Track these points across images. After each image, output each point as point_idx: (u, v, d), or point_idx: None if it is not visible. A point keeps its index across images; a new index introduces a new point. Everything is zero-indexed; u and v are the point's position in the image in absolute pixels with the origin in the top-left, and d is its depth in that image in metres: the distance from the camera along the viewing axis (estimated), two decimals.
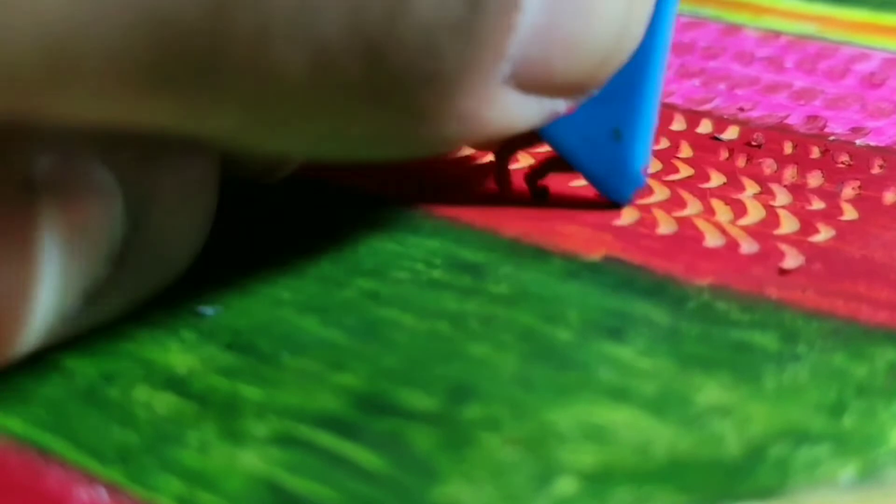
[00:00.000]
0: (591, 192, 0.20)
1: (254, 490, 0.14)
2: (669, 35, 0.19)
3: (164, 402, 0.16)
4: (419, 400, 0.15)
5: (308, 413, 0.15)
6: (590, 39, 0.16)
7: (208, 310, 0.17)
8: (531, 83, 0.16)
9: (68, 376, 0.16)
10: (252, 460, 0.14)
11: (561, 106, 0.17)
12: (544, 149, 0.20)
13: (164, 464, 0.14)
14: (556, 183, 0.21)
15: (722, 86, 0.26)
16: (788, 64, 0.27)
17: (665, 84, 0.26)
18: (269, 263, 0.19)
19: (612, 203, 0.20)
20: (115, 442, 0.15)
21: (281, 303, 0.18)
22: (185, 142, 0.16)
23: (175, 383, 0.16)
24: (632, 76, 0.19)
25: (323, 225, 0.20)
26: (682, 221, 0.20)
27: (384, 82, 0.15)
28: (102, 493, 0.14)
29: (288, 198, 0.21)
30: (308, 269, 0.19)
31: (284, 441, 0.15)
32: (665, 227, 0.20)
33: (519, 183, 0.21)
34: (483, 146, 0.21)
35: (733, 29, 0.29)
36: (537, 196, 0.21)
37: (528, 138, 0.20)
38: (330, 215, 0.20)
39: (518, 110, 0.16)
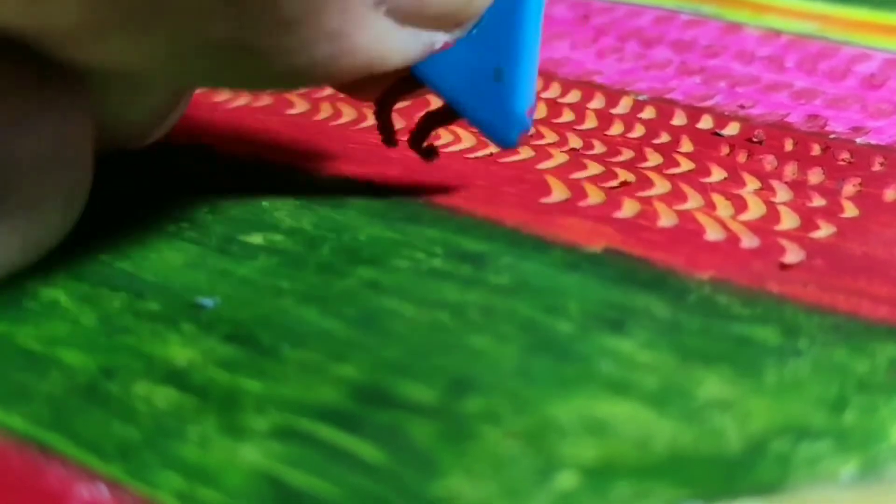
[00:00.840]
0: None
1: (254, 485, 0.14)
2: None
3: (164, 397, 0.16)
4: (419, 392, 0.15)
5: (308, 406, 0.15)
6: None
7: (207, 301, 0.17)
8: (404, 12, 0.16)
9: (68, 372, 0.16)
10: (252, 454, 0.14)
11: (438, 40, 0.17)
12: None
13: (165, 459, 0.14)
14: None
15: (722, 84, 0.26)
16: (789, 63, 0.27)
17: (666, 80, 0.26)
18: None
19: (499, 145, 0.20)
20: (115, 438, 0.15)
21: (281, 293, 0.18)
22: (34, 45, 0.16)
23: (175, 377, 0.16)
24: (510, 15, 0.19)
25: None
26: (682, 215, 0.20)
27: None
28: (103, 490, 0.14)
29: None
30: (307, 258, 0.19)
31: (285, 435, 0.15)
32: (666, 219, 0.20)
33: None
34: (364, 92, 0.21)
35: (734, 27, 0.29)
36: (425, 155, 0.20)
37: (409, 84, 0.19)
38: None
39: (392, 41, 0.16)
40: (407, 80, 0.19)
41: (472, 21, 0.17)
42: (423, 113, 0.21)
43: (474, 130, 0.23)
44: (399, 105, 0.21)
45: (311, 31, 0.16)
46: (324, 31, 0.16)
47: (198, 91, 0.22)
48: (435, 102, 0.20)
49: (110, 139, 0.19)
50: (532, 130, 0.20)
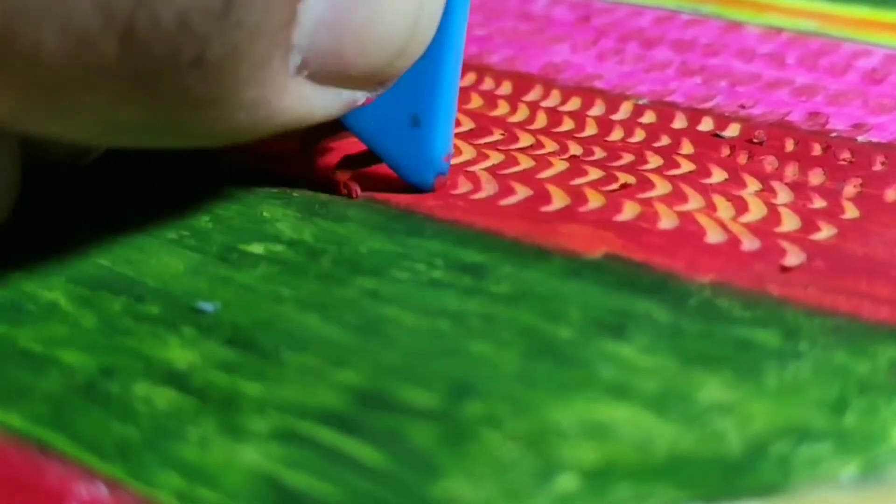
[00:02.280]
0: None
1: (254, 486, 0.14)
2: (464, 23, 0.20)
3: (163, 398, 0.16)
4: (420, 397, 0.15)
5: (308, 409, 0.15)
6: (382, 32, 0.17)
7: (208, 306, 0.17)
8: (325, 75, 0.16)
9: (68, 372, 0.16)
10: (252, 456, 0.14)
11: (360, 97, 0.17)
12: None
13: (164, 459, 0.14)
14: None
15: (723, 83, 0.26)
16: (790, 60, 0.27)
17: (666, 82, 0.26)
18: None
19: (416, 189, 0.20)
20: (114, 437, 0.15)
21: (281, 299, 0.18)
22: None
23: (175, 379, 0.16)
24: (429, 63, 0.19)
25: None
26: (683, 216, 0.20)
27: (144, 65, 0.15)
28: (102, 489, 0.14)
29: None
30: (308, 268, 0.19)
31: (285, 437, 0.15)
32: (666, 221, 0.20)
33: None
34: (287, 135, 0.21)
35: (734, 26, 0.29)
36: (343, 189, 0.21)
37: (330, 127, 0.20)
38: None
39: (314, 101, 0.17)
40: (329, 124, 0.19)
41: (393, 80, 0.18)
42: (342, 157, 0.21)
43: (476, 143, 0.23)
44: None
45: (228, 106, 0.16)
46: (242, 104, 0.16)
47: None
48: (355, 145, 0.21)
49: (42, 155, 0.19)
50: (448, 174, 0.21)
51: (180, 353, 0.16)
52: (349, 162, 0.21)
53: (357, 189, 0.21)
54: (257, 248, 0.19)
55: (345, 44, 0.16)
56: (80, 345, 0.17)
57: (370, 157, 0.21)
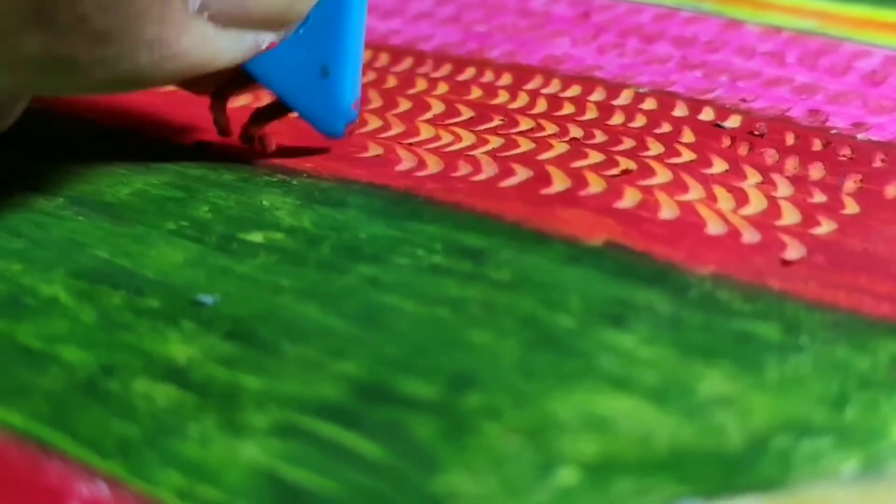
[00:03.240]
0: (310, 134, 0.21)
1: (254, 482, 0.14)
2: None
3: (164, 394, 0.15)
4: (420, 388, 0.15)
5: (308, 402, 0.15)
6: None
7: (207, 298, 0.17)
8: (226, 17, 0.17)
9: (67, 369, 0.16)
10: (252, 452, 0.14)
11: (264, 40, 0.18)
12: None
13: (165, 457, 0.14)
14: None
15: (723, 78, 0.26)
16: (790, 59, 0.27)
17: (667, 74, 0.26)
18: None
19: (327, 136, 0.21)
20: (115, 435, 0.15)
21: (281, 290, 0.18)
22: None
23: (175, 374, 0.16)
24: (335, 14, 0.20)
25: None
26: (684, 206, 0.20)
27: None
28: (103, 487, 0.14)
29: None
30: (308, 256, 0.18)
31: (285, 431, 0.15)
32: (667, 211, 0.20)
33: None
34: (200, 88, 0.21)
35: (734, 24, 0.29)
36: (257, 142, 0.21)
37: (241, 80, 0.21)
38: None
39: (217, 44, 0.17)
40: (239, 77, 0.20)
41: (296, 21, 0.18)
42: (263, 104, 0.22)
43: (476, 130, 0.23)
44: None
45: (128, 42, 0.16)
46: (143, 41, 0.16)
47: (193, 89, 0.22)
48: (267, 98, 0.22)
49: None
50: (358, 121, 0.22)
51: (180, 348, 0.16)
52: (261, 114, 0.22)
53: (271, 143, 0.22)
54: (257, 237, 0.19)
55: None
56: (79, 341, 0.17)
57: (281, 107, 0.21)
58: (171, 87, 0.24)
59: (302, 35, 0.19)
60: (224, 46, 0.17)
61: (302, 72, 0.21)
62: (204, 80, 0.19)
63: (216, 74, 0.19)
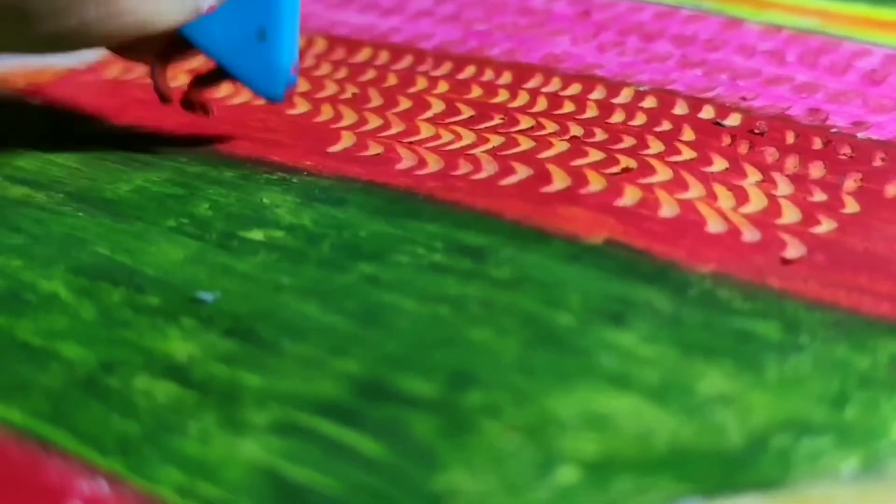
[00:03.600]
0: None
1: (254, 480, 0.14)
2: None
3: (164, 391, 0.15)
4: (420, 386, 0.15)
5: (308, 400, 0.15)
6: None
7: (207, 296, 0.17)
8: None
9: (68, 366, 0.16)
10: (252, 449, 0.14)
11: (205, 3, 0.19)
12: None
13: (165, 454, 0.14)
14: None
15: (724, 76, 0.26)
16: (790, 58, 0.27)
17: (667, 72, 0.26)
18: None
19: (268, 100, 0.22)
20: (115, 432, 0.15)
21: (281, 288, 0.18)
22: None
23: (175, 371, 0.16)
24: None
25: None
26: (684, 204, 0.20)
27: None
28: (103, 485, 0.14)
29: None
30: (308, 254, 0.18)
31: (285, 429, 0.15)
32: (667, 209, 0.20)
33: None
34: (138, 54, 0.22)
35: (735, 22, 0.29)
36: (198, 109, 0.22)
37: (179, 46, 0.21)
38: None
39: (161, 4, 0.18)
40: (177, 43, 0.21)
41: None
42: (201, 69, 0.22)
43: (476, 129, 0.23)
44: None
45: None
46: None
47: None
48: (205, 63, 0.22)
49: None
50: (297, 84, 0.22)
51: (180, 346, 0.16)
52: (201, 81, 0.22)
53: (212, 109, 0.22)
54: (257, 235, 0.19)
55: None
56: (79, 338, 0.17)
57: (221, 73, 0.22)
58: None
59: (240, 1, 0.20)
60: (165, 7, 0.19)
61: (239, 36, 0.21)
62: (143, 47, 0.20)
63: (155, 42, 0.20)
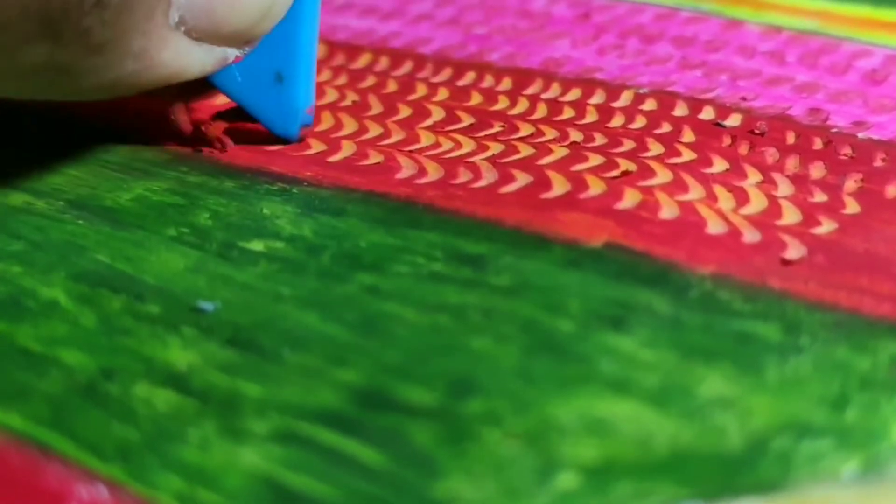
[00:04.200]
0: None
1: (254, 488, 0.14)
2: None
3: (164, 399, 0.15)
4: (420, 395, 0.15)
5: (308, 409, 0.15)
6: None
7: (208, 305, 0.17)
8: (200, 31, 0.19)
9: (68, 372, 0.16)
10: (252, 458, 0.14)
11: (230, 54, 0.20)
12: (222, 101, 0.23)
13: (165, 461, 0.14)
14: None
15: (724, 77, 0.26)
16: (790, 59, 0.27)
17: (667, 74, 0.26)
18: None
19: (283, 139, 0.22)
20: (115, 439, 0.15)
21: (281, 298, 0.18)
22: None
23: (175, 380, 0.16)
24: (289, 24, 0.21)
25: None
26: (684, 206, 0.20)
27: (53, 4, 0.17)
28: (102, 491, 0.14)
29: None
30: (308, 264, 0.18)
31: (285, 438, 0.15)
32: (667, 211, 0.20)
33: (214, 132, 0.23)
34: (162, 95, 0.22)
35: (734, 24, 0.29)
36: (214, 144, 0.23)
37: (200, 87, 0.22)
38: None
39: (191, 56, 0.19)
40: (199, 83, 0.21)
41: (258, 40, 0.21)
42: (213, 113, 0.23)
43: (476, 136, 0.23)
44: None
45: (118, 53, 0.18)
46: (129, 52, 0.18)
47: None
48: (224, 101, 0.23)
49: None
50: (312, 125, 0.23)
51: (180, 354, 0.16)
52: (220, 118, 0.23)
53: (229, 142, 0.22)
54: (257, 245, 0.19)
55: (216, 4, 0.19)
56: (79, 344, 0.17)
57: (239, 112, 0.23)
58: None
59: (259, 44, 0.21)
60: (196, 59, 0.20)
61: (257, 78, 0.22)
62: (165, 90, 0.21)
63: (177, 85, 0.20)
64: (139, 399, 0.15)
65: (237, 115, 0.23)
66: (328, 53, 0.28)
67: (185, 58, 0.19)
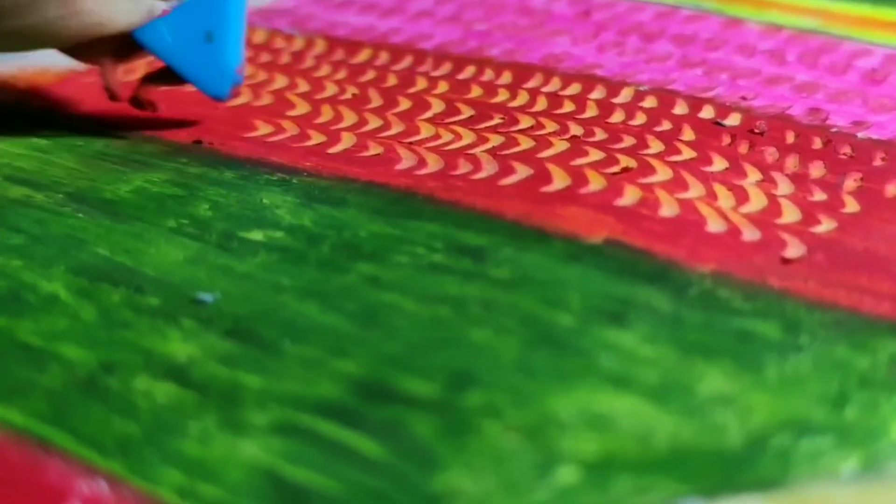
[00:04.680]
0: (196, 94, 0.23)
1: (255, 480, 0.14)
2: None
3: (164, 392, 0.15)
4: (420, 386, 0.15)
5: (309, 401, 0.15)
6: None
7: (207, 297, 0.17)
8: None
9: (67, 367, 0.16)
10: (253, 450, 0.14)
11: (157, 7, 0.21)
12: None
13: (165, 455, 0.14)
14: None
15: (724, 76, 0.26)
16: (790, 58, 0.27)
17: (667, 72, 0.26)
18: None
19: (214, 98, 0.23)
20: (115, 433, 0.15)
21: (281, 289, 0.18)
22: None
23: (175, 372, 0.16)
24: None
25: None
26: (684, 204, 0.20)
27: None
28: (103, 485, 0.14)
29: None
30: (308, 254, 0.18)
31: (285, 430, 0.15)
32: (667, 208, 0.20)
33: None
34: (89, 56, 0.23)
35: (735, 22, 0.29)
36: (146, 106, 0.23)
37: (130, 48, 0.23)
38: None
39: (118, 6, 0.20)
40: (128, 45, 0.22)
41: None
42: (151, 69, 0.24)
43: (475, 128, 0.23)
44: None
45: None
46: None
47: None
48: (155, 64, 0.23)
49: None
50: (242, 84, 0.24)
51: (180, 346, 0.16)
52: (150, 80, 0.23)
53: (159, 107, 0.23)
54: (257, 235, 0.19)
55: None
56: (79, 339, 0.17)
57: (170, 74, 0.23)
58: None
59: (187, 3, 0.22)
60: (122, 9, 0.20)
61: (188, 38, 0.22)
62: (95, 48, 0.22)
63: (107, 43, 0.21)
64: (139, 392, 0.15)
65: (168, 76, 0.23)
66: (328, 49, 0.27)
67: (112, 6, 0.20)
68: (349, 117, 0.24)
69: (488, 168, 0.21)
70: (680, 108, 0.24)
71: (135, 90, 0.23)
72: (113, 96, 0.23)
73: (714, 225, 0.19)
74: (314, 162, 0.21)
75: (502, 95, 0.25)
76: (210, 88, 0.23)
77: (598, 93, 0.25)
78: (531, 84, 0.25)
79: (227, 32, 0.23)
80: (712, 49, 0.27)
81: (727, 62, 0.26)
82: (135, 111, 0.24)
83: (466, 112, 0.24)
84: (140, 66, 0.24)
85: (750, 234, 0.19)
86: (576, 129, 0.23)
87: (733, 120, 0.23)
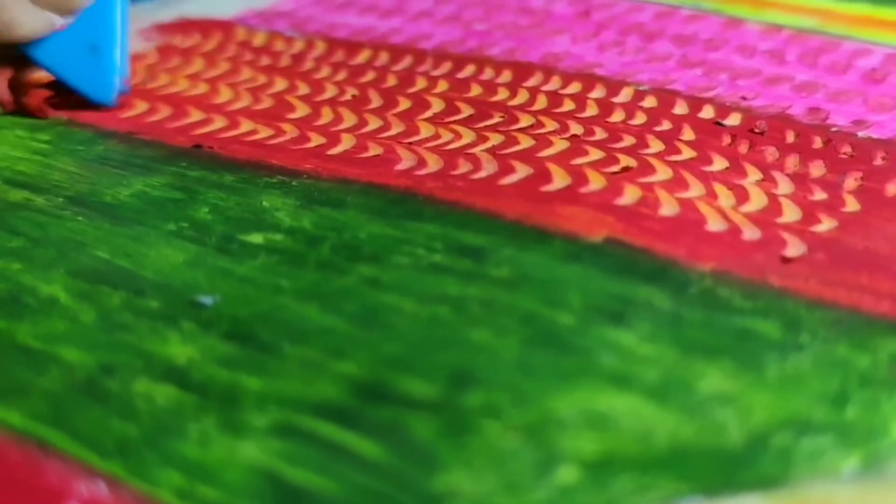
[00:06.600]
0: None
1: (254, 482, 0.14)
2: None
3: (164, 394, 0.15)
4: (420, 387, 0.15)
5: (308, 402, 0.15)
6: None
7: (207, 299, 0.17)
8: None
9: (67, 369, 0.16)
10: (252, 452, 0.14)
11: (57, 21, 0.23)
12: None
13: (165, 457, 0.14)
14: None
15: (724, 76, 0.26)
16: (790, 57, 0.27)
17: (667, 72, 0.26)
18: None
19: (99, 105, 0.24)
20: (114, 435, 0.15)
21: (280, 291, 0.18)
22: None
23: (175, 374, 0.16)
24: (103, 3, 0.24)
25: None
26: (684, 203, 0.20)
27: None
28: (102, 487, 0.14)
29: None
30: (307, 256, 0.18)
31: (284, 431, 0.15)
32: (667, 208, 0.20)
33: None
34: None
35: (735, 22, 0.29)
36: (38, 113, 0.24)
37: (21, 62, 0.24)
38: None
39: (28, 18, 0.22)
40: (17, 58, 0.24)
41: (80, 10, 0.23)
42: (33, 84, 0.25)
43: (475, 127, 0.23)
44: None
45: None
46: None
47: (197, 92, 0.23)
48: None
49: None
50: (128, 93, 0.25)
51: (180, 349, 0.16)
52: (39, 89, 0.25)
53: (48, 111, 0.24)
54: (257, 238, 0.19)
55: None
56: (79, 341, 0.17)
57: (57, 84, 0.24)
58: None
59: (76, 22, 0.24)
60: (25, 20, 0.22)
61: (74, 50, 0.24)
62: None
63: (2, 53, 0.23)
64: (139, 394, 0.15)
65: (54, 86, 0.24)
66: (327, 50, 0.27)
67: (13, 15, 0.22)
68: (349, 118, 0.24)
69: (488, 168, 0.21)
70: (680, 108, 0.24)
71: (24, 99, 0.24)
72: (3, 106, 0.24)
73: (714, 224, 0.19)
74: (314, 164, 0.22)
75: (502, 94, 0.25)
76: (95, 95, 0.24)
77: (598, 92, 0.25)
78: (531, 83, 0.25)
79: (110, 44, 0.24)
80: (712, 49, 0.27)
81: (727, 62, 0.26)
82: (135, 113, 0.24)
83: (466, 111, 0.24)
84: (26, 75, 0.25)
85: (750, 233, 0.19)
86: (576, 128, 0.23)
87: (733, 120, 0.23)
